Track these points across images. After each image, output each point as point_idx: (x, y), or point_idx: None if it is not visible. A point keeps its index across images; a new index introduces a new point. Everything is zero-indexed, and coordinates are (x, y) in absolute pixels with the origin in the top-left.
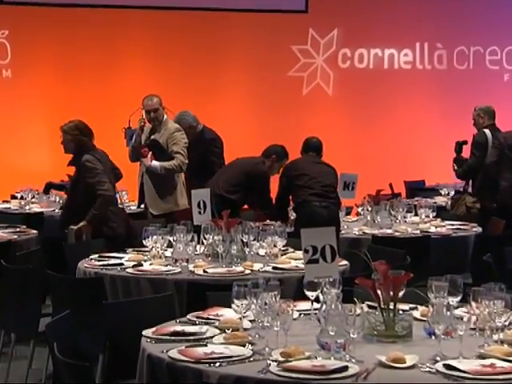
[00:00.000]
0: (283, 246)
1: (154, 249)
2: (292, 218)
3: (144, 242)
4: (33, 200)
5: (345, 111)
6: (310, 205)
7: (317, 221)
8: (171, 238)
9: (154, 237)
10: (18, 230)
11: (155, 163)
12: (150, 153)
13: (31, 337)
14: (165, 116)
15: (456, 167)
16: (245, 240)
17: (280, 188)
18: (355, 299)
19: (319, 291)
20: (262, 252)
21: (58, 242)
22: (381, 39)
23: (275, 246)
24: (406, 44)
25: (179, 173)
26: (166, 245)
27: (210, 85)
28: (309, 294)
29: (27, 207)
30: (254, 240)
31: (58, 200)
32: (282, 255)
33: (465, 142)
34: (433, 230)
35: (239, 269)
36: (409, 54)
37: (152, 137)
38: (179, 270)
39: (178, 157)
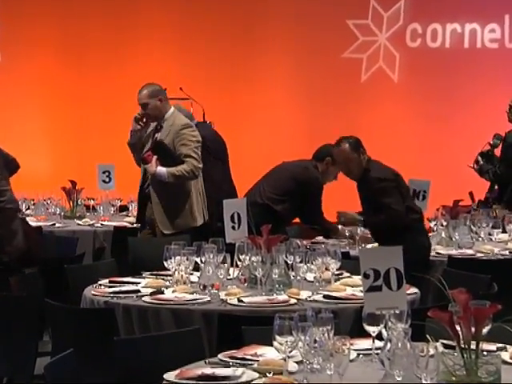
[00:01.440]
0: (337, 270)
1: (177, 272)
2: (341, 229)
3: (165, 263)
4: (28, 212)
5: (414, 102)
6: None
7: None
8: (198, 260)
9: (178, 257)
10: None
11: (161, 170)
12: (155, 157)
13: (26, 381)
14: (170, 110)
15: (481, 162)
16: (289, 262)
17: (397, 196)
18: (427, 336)
19: (382, 326)
20: (310, 277)
21: (59, 263)
22: (460, 11)
23: (327, 269)
24: (491, 17)
25: (192, 179)
26: (191, 268)
27: (245, 69)
28: (369, 329)
29: None
30: (301, 262)
31: (58, 212)
32: (335, 281)
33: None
34: None
35: (282, 297)
36: (496, 29)
37: (157, 136)
38: (208, 298)
39: (189, 160)
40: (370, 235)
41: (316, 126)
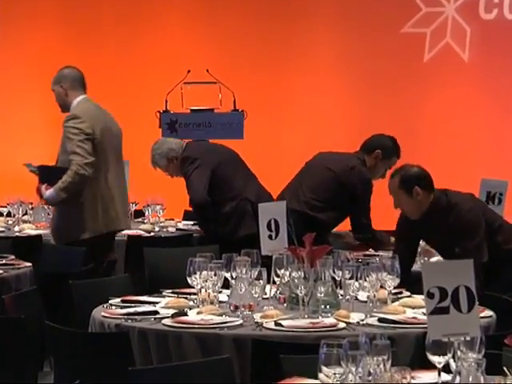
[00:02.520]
0: (395, 288)
1: (203, 290)
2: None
3: (189, 280)
4: (25, 217)
5: (488, 85)
6: None
7: None
8: (228, 275)
9: (204, 273)
10: (4, 262)
11: (49, 193)
12: (43, 186)
13: None
14: (76, 99)
15: None
16: (337, 278)
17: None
18: (504, 368)
19: (450, 356)
20: (362, 296)
21: (63, 279)
22: None
23: (383, 287)
24: None
25: (84, 180)
26: (220, 285)
27: (283, 48)
28: (434, 359)
29: (17, 228)
30: (352, 278)
31: None
32: (393, 301)
33: None
34: None
35: (329, 321)
36: None
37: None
38: (240, 321)
39: (73, 159)
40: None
41: (369, 115)
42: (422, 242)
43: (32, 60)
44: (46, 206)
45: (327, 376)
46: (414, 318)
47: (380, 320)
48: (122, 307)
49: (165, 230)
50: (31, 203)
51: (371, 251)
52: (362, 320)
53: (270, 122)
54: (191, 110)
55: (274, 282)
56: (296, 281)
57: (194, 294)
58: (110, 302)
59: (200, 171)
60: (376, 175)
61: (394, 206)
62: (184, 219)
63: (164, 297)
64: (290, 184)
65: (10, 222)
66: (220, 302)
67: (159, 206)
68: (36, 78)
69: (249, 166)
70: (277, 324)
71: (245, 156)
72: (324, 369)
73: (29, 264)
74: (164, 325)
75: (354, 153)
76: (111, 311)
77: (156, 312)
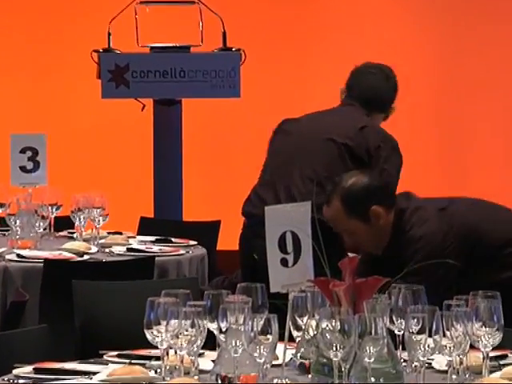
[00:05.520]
0: (495, 348)
1: (171, 352)
2: None
3: (148, 334)
4: None
5: None
6: None
7: None
8: (214, 326)
9: (173, 322)
10: None
11: None
12: None
13: None
14: None
15: None
16: (397, 332)
17: None
18: None
19: None
20: (440, 362)
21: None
22: None
23: (475, 346)
24: None
25: None
26: (201, 343)
27: None
28: None
29: None
30: (422, 332)
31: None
32: (491, 371)
33: None
34: None
35: None
36: None
37: None
38: None
39: None
40: None
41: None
42: None
43: None
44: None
45: None
46: None
47: None
48: (34, 381)
49: (107, 250)
50: None
51: None
52: None
53: (281, 69)
54: (152, 48)
55: (292, 339)
56: (328, 336)
57: (158, 358)
58: (14, 372)
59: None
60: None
61: (346, 248)
62: (140, 232)
63: (106, 363)
64: (269, 178)
65: None
66: (201, 371)
67: (97, 210)
68: None
69: (248, 138)
70: None
71: (242, 124)
72: None
73: None
74: None
75: (348, 106)
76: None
77: None
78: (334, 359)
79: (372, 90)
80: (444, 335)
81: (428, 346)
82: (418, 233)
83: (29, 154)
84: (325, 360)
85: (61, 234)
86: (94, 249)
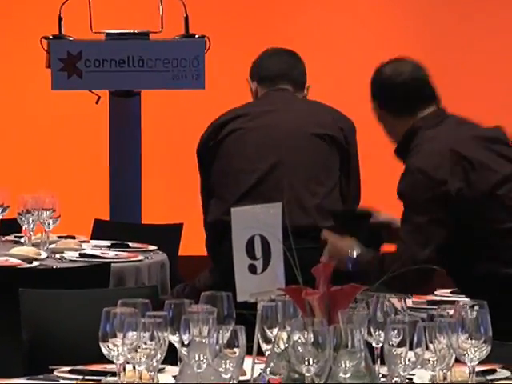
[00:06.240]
0: (482, 362)
1: (128, 367)
2: None
3: (103, 348)
4: None
5: None
6: None
7: None
8: (176, 339)
9: (131, 335)
10: None
11: None
12: None
13: None
14: None
15: None
16: (375, 345)
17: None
18: None
19: None
20: (422, 378)
21: None
22: None
23: (460, 360)
24: None
25: None
26: (161, 357)
27: None
28: None
29: None
30: (402, 345)
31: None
32: None
33: None
34: None
35: None
36: None
37: None
38: None
39: None
40: None
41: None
42: None
43: None
44: None
45: None
46: None
47: None
48: None
49: (58, 256)
50: None
51: (443, 292)
52: None
53: (249, 57)
54: (107, 34)
55: (261, 353)
56: (300, 349)
57: (114, 373)
58: None
59: None
60: None
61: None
62: (94, 237)
63: (57, 380)
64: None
65: None
66: None
67: (47, 212)
68: None
69: None
70: None
71: (206, 118)
72: None
73: None
74: None
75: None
76: None
77: None
78: (307, 374)
79: (291, 68)
80: (427, 348)
81: (409, 360)
82: (416, 164)
83: None
84: (297, 375)
85: (7, 238)
86: (44, 254)
